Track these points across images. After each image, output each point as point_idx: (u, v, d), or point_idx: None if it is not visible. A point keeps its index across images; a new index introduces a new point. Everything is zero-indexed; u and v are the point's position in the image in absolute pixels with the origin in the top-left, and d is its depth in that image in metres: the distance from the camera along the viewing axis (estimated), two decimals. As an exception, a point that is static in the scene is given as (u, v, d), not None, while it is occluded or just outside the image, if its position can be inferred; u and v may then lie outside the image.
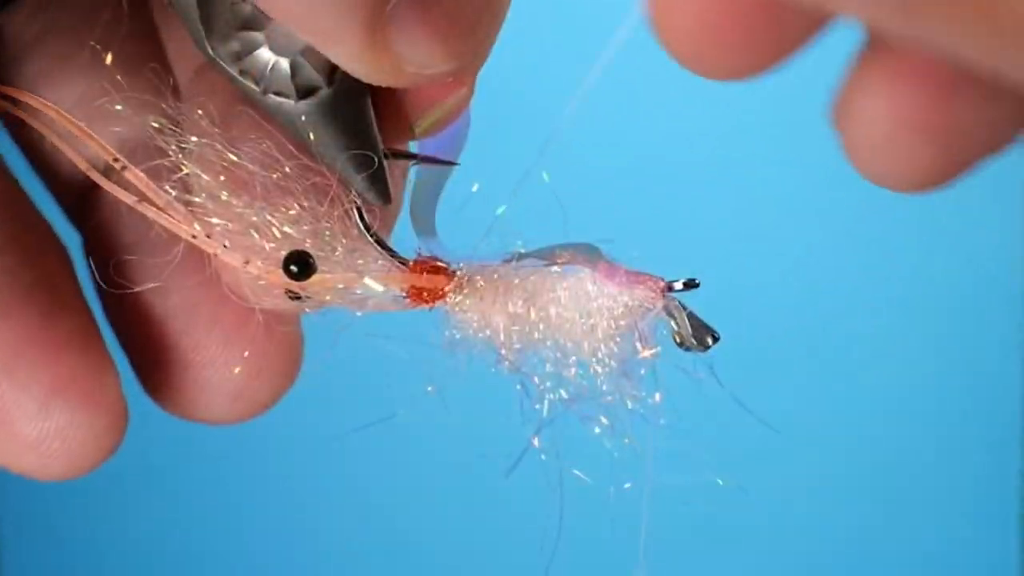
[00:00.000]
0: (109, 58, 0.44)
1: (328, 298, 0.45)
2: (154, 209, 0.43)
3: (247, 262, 0.43)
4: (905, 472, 1.49)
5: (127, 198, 0.43)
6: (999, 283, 1.42)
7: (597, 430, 0.44)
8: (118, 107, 0.43)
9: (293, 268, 0.43)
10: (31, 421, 0.42)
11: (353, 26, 0.37)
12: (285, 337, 0.45)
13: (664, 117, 1.37)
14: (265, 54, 0.42)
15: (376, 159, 0.44)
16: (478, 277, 0.45)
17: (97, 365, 0.43)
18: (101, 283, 0.45)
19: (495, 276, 0.45)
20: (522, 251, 0.44)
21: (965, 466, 1.48)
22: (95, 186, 0.45)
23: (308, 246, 0.44)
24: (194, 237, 0.43)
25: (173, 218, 0.43)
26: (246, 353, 0.44)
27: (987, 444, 1.47)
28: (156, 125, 0.43)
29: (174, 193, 0.43)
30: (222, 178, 0.43)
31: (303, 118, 0.43)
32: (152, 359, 0.45)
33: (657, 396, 0.42)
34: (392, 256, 0.45)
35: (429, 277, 0.45)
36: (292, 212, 0.44)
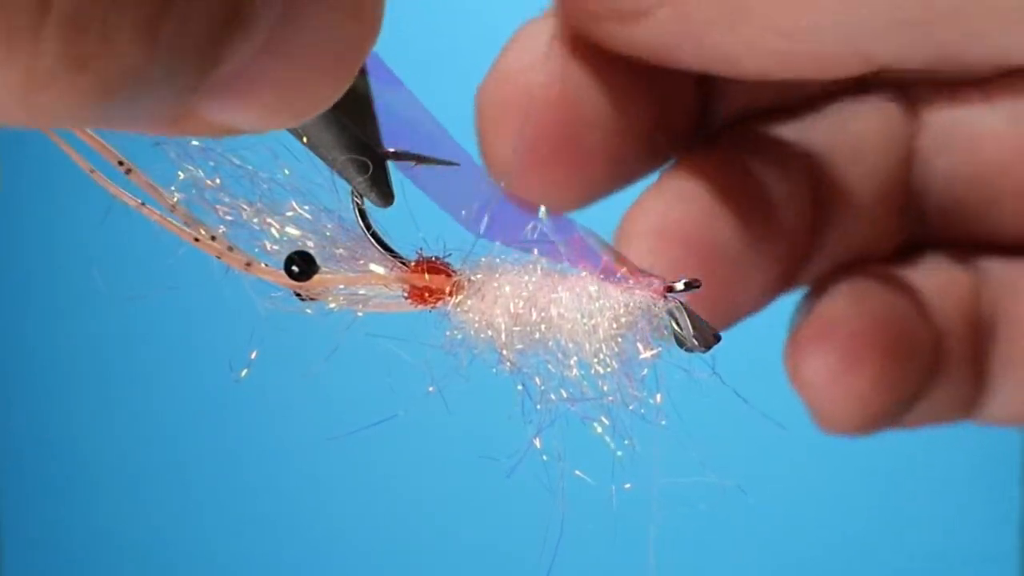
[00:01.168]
0: None
1: (330, 298, 0.45)
2: (158, 212, 0.43)
3: (249, 264, 0.43)
4: (905, 472, 1.48)
5: (130, 201, 0.43)
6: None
7: (599, 430, 0.44)
8: None
9: (295, 268, 0.43)
10: None
11: (157, 118, 0.31)
12: None
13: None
14: (266, 55, 0.42)
15: (377, 160, 0.44)
16: (479, 277, 0.45)
17: None
18: None
19: (496, 276, 0.45)
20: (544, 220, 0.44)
21: (965, 466, 1.48)
22: None
23: (310, 247, 0.44)
24: (197, 240, 0.43)
25: (178, 220, 0.43)
26: None
27: (987, 444, 1.47)
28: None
29: (177, 197, 0.43)
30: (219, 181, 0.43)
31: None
32: None
33: (658, 397, 0.42)
34: (393, 256, 0.45)
35: (430, 277, 0.45)
36: (293, 213, 0.44)
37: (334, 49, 0.31)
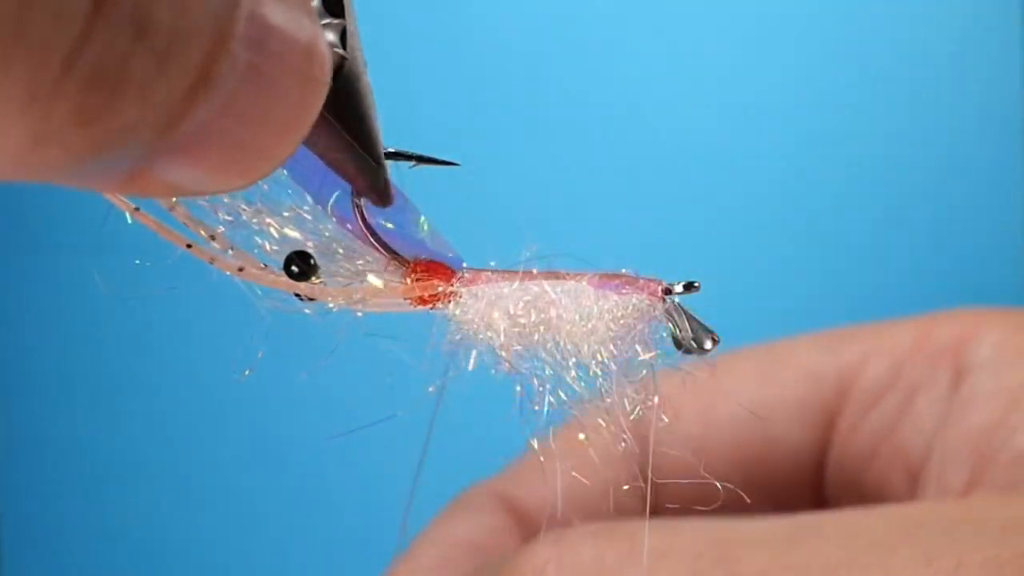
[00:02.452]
0: None
1: (330, 299, 0.45)
2: (153, 218, 0.43)
3: (241, 269, 0.43)
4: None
5: (125, 205, 0.43)
6: (1000, 283, 1.42)
7: (596, 432, 0.44)
8: None
9: (294, 269, 0.43)
10: None
11: (119, 176, 0.31)
12: None
13: (665, 117, 1.37)
14: (266, 55, 0.42)
15: (378, 160, 0.44)
16: (479, 278, 0.45)
17: None
18: None
19: (496, 277, 0.45)
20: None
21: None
22: None
23: (309, 247, 0.44)
24: (189, 247, 0.43)
25: (176, 221, 0.43)
26: None
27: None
28: None
29: (175, 199, 0.43)
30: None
31: None
32: None
33: (656, 399, 0.42)
34: (393, 256, 0.45)
35: (430, 278, 0.45)
36: (291, 215, 0.44)
37: (285, 113, 0.32)
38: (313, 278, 0.44)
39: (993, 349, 0.56)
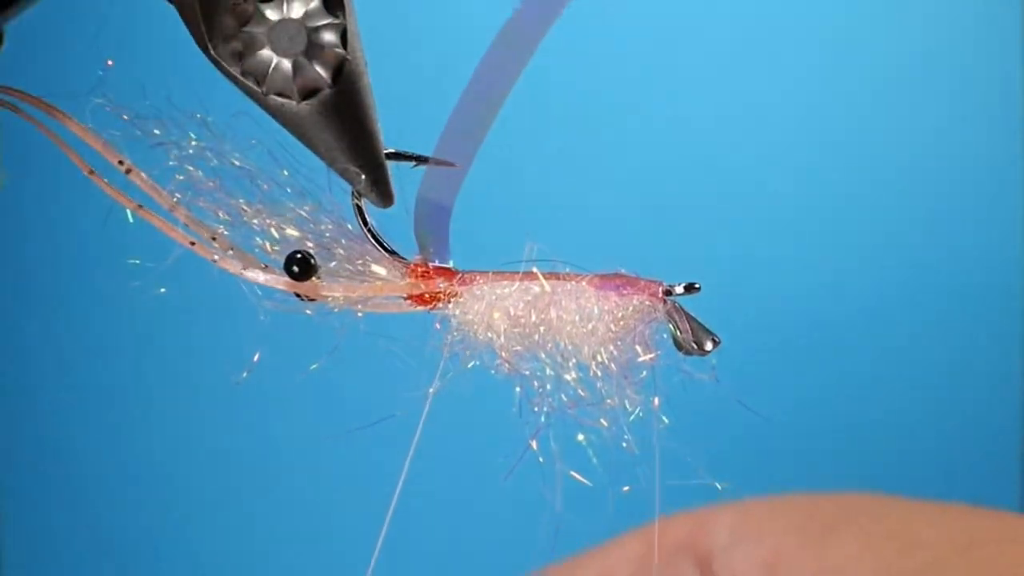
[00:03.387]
0: None
1: (331, 298, 0.45)
2: (155, 215, 0.43)
3: (245, 268, 0.43)
4: (906, 474, 1.48)
5: (127, 203, 0.43)
6: (1001, 283, 1.42)
7: (596, 433, 0.44)
8: None
9: (295, 269, 0.43)
10: None
11: None
12: None
13: (664, 117, 1.37)
14: (267, 54, 0.42)
15: (378, 160, 0.44)
16: (479, 278, 0.45)
17: None
18: None
19: (496, 278, 0.45)
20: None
21: (965, 468, 1.48)
22: None
23: (310, 247, 0.44)
24: (193, 244, 0.43)
25: (178, 221, 0.43)
26: None
27: (987, 445, 1.47)
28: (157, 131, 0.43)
29: (177, 197, 0.43)
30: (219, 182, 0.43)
31: (305, 119, 0.42)
32: None
33: (656, 400, 0.42)
34: (393, 256, 0.45)
35: (430, 278, 0.45)
36: (292, 215, 0.44)
37: None
38: (314, 278, 0.44)
39: (731, 533, 0.59)
